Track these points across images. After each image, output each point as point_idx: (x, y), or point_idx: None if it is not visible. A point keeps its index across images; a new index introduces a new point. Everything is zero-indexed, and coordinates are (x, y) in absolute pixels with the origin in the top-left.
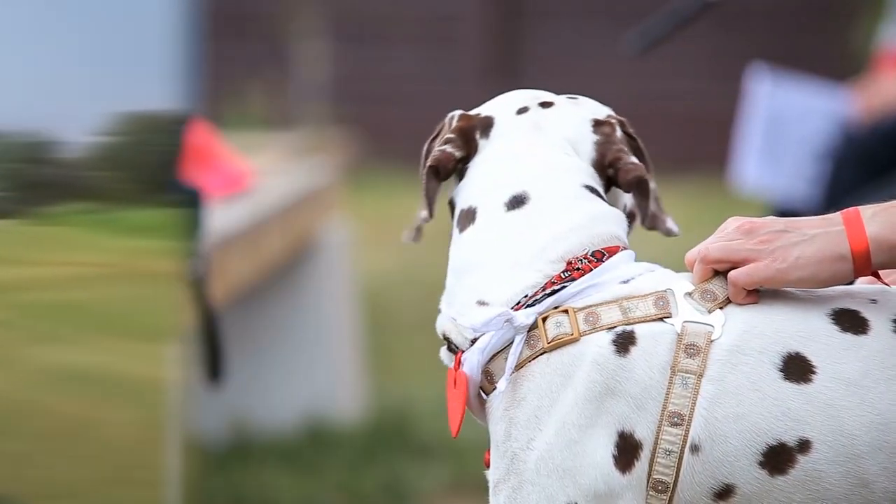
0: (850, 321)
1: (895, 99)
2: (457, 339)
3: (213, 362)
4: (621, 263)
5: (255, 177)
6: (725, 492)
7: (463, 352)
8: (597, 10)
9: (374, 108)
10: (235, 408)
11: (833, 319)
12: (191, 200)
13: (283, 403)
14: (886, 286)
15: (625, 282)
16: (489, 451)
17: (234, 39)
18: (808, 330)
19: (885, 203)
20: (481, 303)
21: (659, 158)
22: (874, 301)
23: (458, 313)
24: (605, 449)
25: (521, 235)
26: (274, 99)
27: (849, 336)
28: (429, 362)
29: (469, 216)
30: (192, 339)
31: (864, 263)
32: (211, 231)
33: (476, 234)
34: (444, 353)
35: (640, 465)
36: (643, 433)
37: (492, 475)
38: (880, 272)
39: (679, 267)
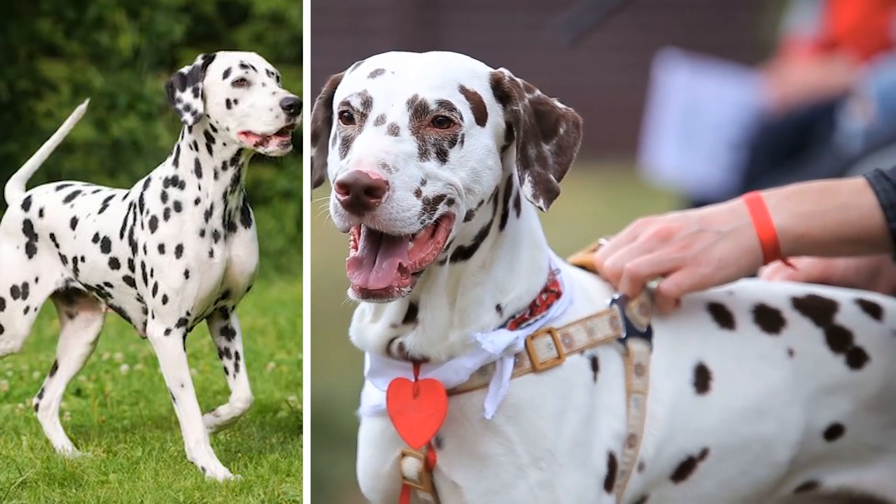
0: (722, 316)
1: (807, 86)
2: (439, 353)
3: None
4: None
5: None
6: (639, 502)
7: (420, 362)
8: (511, 1)
9: None
10: None
11: (713, 315)
12: None
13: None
14: (795, 269)
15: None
16: (433, 451)
17: None
18: (703, 333)
19: (786, 189)
20: (499, 308)
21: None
22: (731, 293)
23: (476, 322)
24: (602, 470)
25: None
26: None
27: (725, 332)
28: (348, 354)
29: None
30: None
31: (774, 252)
32: None
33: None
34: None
35: (615, 486)
36: (619, 455)
37: (481, 485)
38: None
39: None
